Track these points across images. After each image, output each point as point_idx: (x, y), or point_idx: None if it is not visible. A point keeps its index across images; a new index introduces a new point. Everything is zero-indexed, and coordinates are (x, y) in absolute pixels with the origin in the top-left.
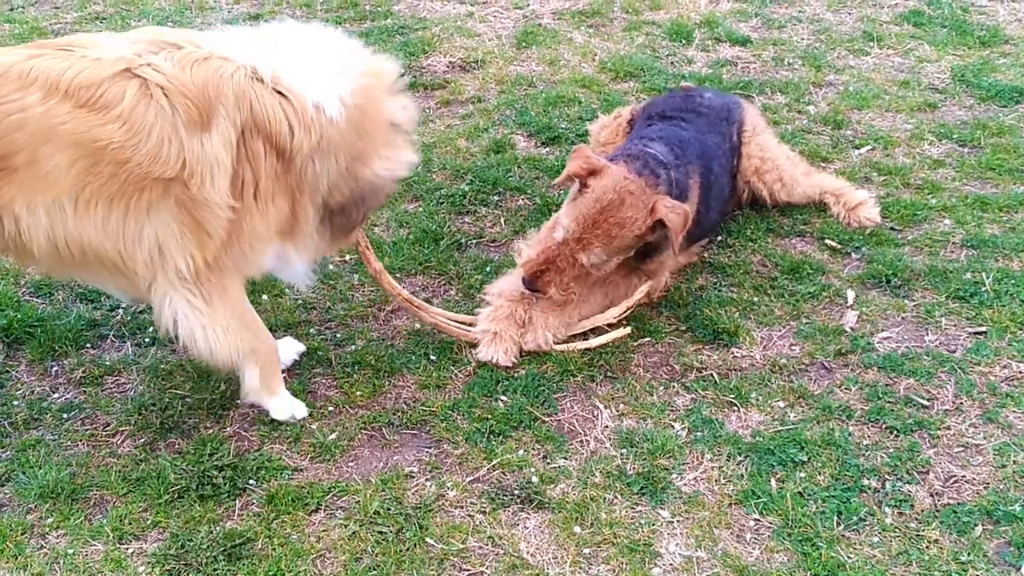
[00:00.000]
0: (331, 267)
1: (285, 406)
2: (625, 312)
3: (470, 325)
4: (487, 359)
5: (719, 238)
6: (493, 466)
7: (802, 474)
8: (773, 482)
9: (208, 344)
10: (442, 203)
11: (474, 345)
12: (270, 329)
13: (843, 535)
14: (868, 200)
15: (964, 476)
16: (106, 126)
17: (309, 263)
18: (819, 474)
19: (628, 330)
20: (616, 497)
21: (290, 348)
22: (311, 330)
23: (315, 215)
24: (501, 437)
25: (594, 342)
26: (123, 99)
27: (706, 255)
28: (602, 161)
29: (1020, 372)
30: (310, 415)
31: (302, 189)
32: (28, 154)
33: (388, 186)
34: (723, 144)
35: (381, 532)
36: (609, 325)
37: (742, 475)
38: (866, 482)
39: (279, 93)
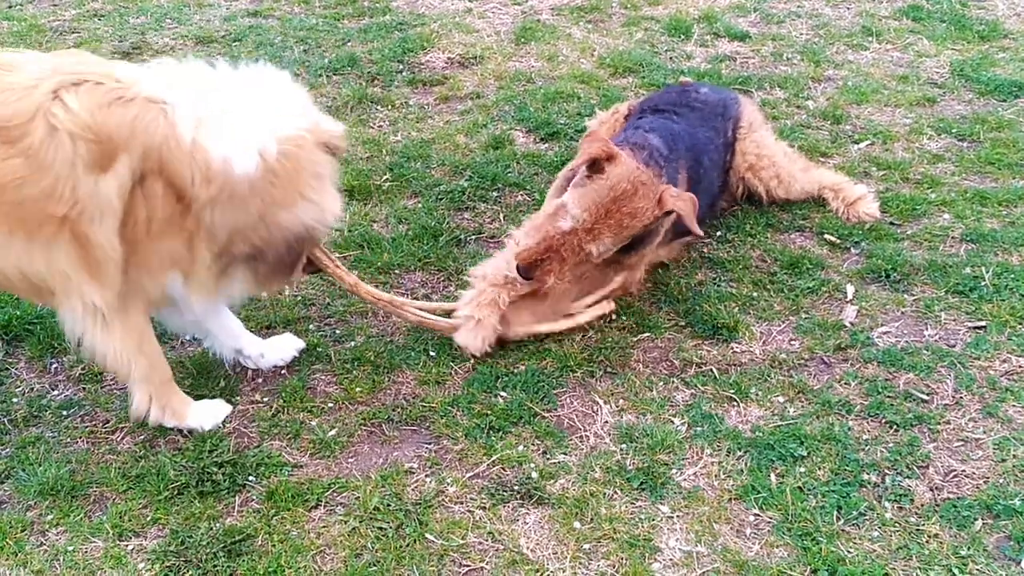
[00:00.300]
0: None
1: (204, 417)
2: (598, 302)
3: (451, 313)
4: (462, 344)
5: (718, 233)
6: (493, 462)
7: (802, 469)
8: (773, 477)
9: (108, 361)
10: (441, 199)
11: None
12: (269, 326)
13: (843, 530)
14: (867, 195)
15: (964, 470)
16: (10, 160)
17: (210, 301)
18: (819, 469)
19: (612, 306)
20: (616, 492)
21: (289, 345)
22: (310, 326)
23: (214, 261)
24: (501, 433)
25: (581, 318)
26: (30, 134)
27: (705, 250)
28: (616, 149)
29: (1020, 366)
30: (310, 411)
31: (199, 234)
32: None
33: (317, 231)
34: (716, 139)
35: (381, 528)
36: (588, 306)
37: (742, 470)
38: (866, 477)
39: (192, 140)
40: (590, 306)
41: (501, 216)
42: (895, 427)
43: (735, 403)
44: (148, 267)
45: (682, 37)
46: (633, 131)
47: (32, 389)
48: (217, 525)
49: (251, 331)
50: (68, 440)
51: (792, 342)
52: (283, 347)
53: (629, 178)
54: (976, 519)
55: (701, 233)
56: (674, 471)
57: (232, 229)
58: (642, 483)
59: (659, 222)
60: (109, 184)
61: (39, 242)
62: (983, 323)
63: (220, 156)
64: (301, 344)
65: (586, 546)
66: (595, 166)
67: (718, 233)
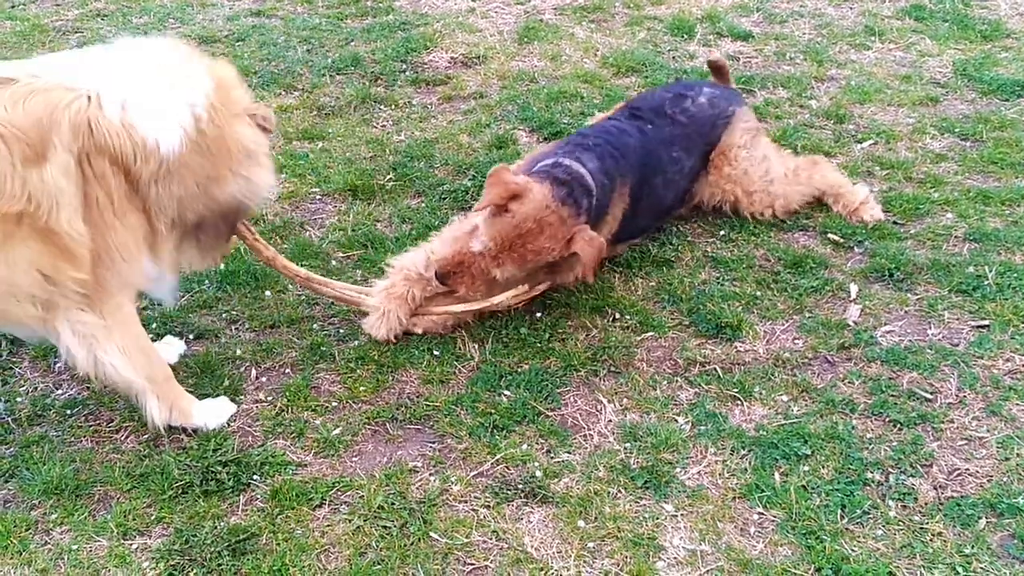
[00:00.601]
0: (334, 263)
1: (210, 415)
2: (518, 296)
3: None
4: (368, 331)
5: (721, 232)
6: (497, 461)
7: (806, 468)
8: (777, 476)
9: (109, 367)
10: (444, 199)
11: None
12: (272, 326)
13: (847, 528)
14: (858, 194)
15: (967, 469)
16: None
17: (175, 276)
18: (823, 467)
19: (543, 287)
20: (620, 491)
21: (172, 349)
22: (314, 325)
23: (170, 232)
24: (505, 432)
25: (497, 299)
26: None
27: (709, 249)
28: (523, 183)
29: (1023, 365)
30: (314, 410)
31: (151, 209)
32: None
33: (249, 205)
34: (685, 161)
35: (385, 527)
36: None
37: (746, 469)
38: (870, 475)
39: (121, 121)
40: (513, 302)
41: None
42: (899, 426)
43: (739, 402)
44: (124, 249)
45: (685, 37)
46: (570, 152)
47: (36, 388)
48: (221, 524)
49: (255, 331)
50: (72, 439)
51: (796, 341)
52: (164, 352)
53: (535, 217)
54: (980, 517)
55: (591, 279)
56: (678, 470)
57: (178, 201)
58: (646, 482)
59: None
60: (53, 172)
61: (10, 250)
62: (986, 322)
63: (150, 134)
64: (182, 347)
65: (590, 544)
66: (503, 207)
67: (721, 232)
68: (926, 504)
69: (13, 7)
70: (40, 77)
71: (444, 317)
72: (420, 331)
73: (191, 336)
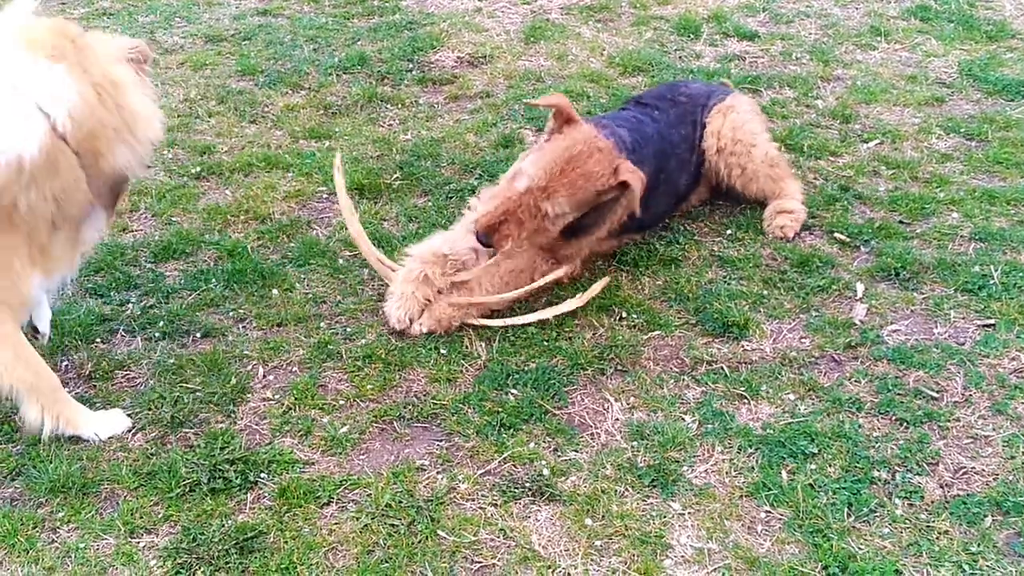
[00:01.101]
0: (341, 262)
1: (96, 427)
2: (591, 298)
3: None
4: (385, 314)
5: (728, 231)
6: (504, 459)
7: (812, 466)
8: (784, 474)
9: None
10: (451, 197)
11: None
12: (280, 324)
13: (854, 526)
14: (796, 212)
15: (974, 467)
16: None
17: (66, 274)
18: (829, 466)
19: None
20: (627, 489)
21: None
22: (321, 324)
23: (50, 235)
24: (512, 430)
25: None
26: None
27: (715, 248)
28: (576, 115)
29: None
30: (321, 408)
31: (22, 222)
32: None
33: (135, 171)
34: (692, 135)
35: (393, 525)
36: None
37: (753, 467)
38: (876, 474)
39: None
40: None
41: None
42: (905, 424)
43: (746, 401)
44: (5, 270)
45: (691, 36)
46: (606, 119)
47: None
48: (229, 522)
49: (263, 329)
50: (79, 437)
51: (802, 340)
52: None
53: (586, 141)
54: (986, 516)
55: (638, 211)
56: (685, 468)
57: (55, 200)
58: (653, 480)
59: (612, 200)
60: None
61: None
62: (992, 321)
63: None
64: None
65: (597, 543)
66: (557, 123)
67: (728, 232)
68: (932, 502)
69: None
70: None
71: (450, 316)
72: (425, 330)
73: (198, 334)
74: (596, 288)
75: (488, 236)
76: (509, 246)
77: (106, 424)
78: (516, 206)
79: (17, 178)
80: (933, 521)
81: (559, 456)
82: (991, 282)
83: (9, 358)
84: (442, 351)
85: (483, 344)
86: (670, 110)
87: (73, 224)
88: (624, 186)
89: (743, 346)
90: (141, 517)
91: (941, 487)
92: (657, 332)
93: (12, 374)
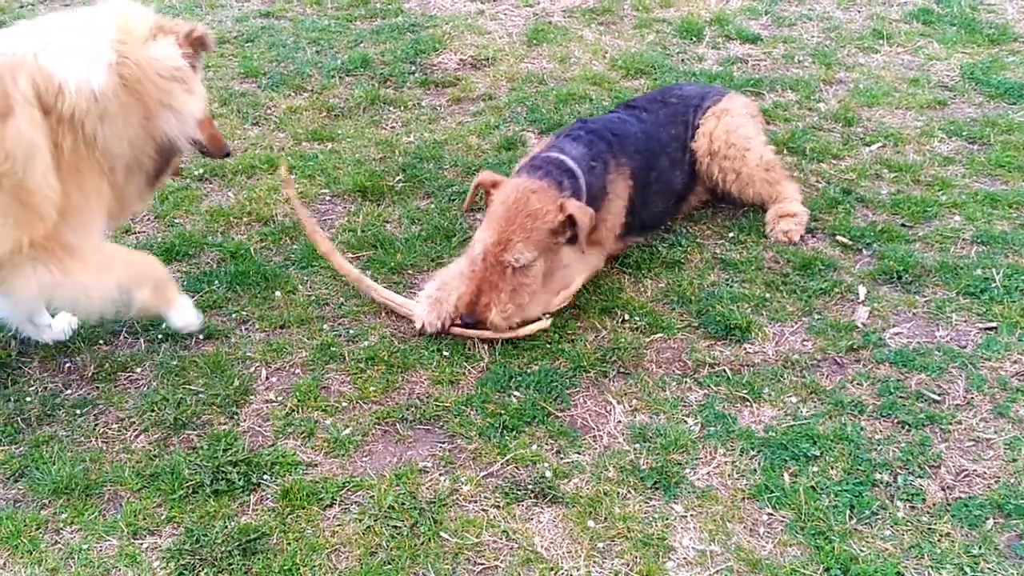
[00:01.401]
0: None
1: (182, 313)
2: (563, 302)
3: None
4: (417, 317)
5: (730, 234)
6: (507, 461)
7: (815, 468)
8: (786, 476)
9: (86, 307)
10: (454, 200)
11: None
12: (283, 326)
13: (856, 529)
14: (800, 215)
15: (975, 470)
16: None
17: (124, 219)
18: (831, 468)
19: (548, 323)
20: (629, 491)
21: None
22: (324, 326)
23: (124, 175)
24: (514, 432)
25: (521, 331)
26: None
27: (718, 251)
28: (496, 176)
29: None
30: (324, 410)
31: (103, 154)
32: None
33: (179, 142)
34: (684, 135)
35: (395, 527)
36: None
37: (755, 470)
38: (878, 476)
39: (51, 77)
40: (560, 304)
41: None
42: (907, 427)
43: (748, 403)
44: (88, 199)
45: (694, 39)
46: (547, 150)
47: (46, 388)
48: (232, 524)
49: (266, 331)
50: (82, 439)
51: (805, 343)
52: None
53: (518, 189)
54: (987, 518)
55: (584, 251)
56: (687, 471)
57: (128, 142)
58: (656, 482)
59: (574, 229)
60: (20, 127)
61: None
62: (994, 324)
63: (72, 74)
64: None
65: (600, 545)
66: (487, 195)
67: (731, 234)
68: (934, 505)
69: (22, 7)
70: None
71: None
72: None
73: (201, 336)
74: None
75: (471, 313)
76: (495, 315)
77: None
78: (483, 273)
79: (91, 107)
80: (935, 523)
81: (562, 458)
82: (993, 285)
83: (104, 281)
84: (444, 353)
85: (486, 346)
86: (659, 111)
87: (141, 174)
88: (572, 220)
89: (745, 349)
90: (144, 518)
91: (943, 490)
92: (659, 335)
93: (118, 279)
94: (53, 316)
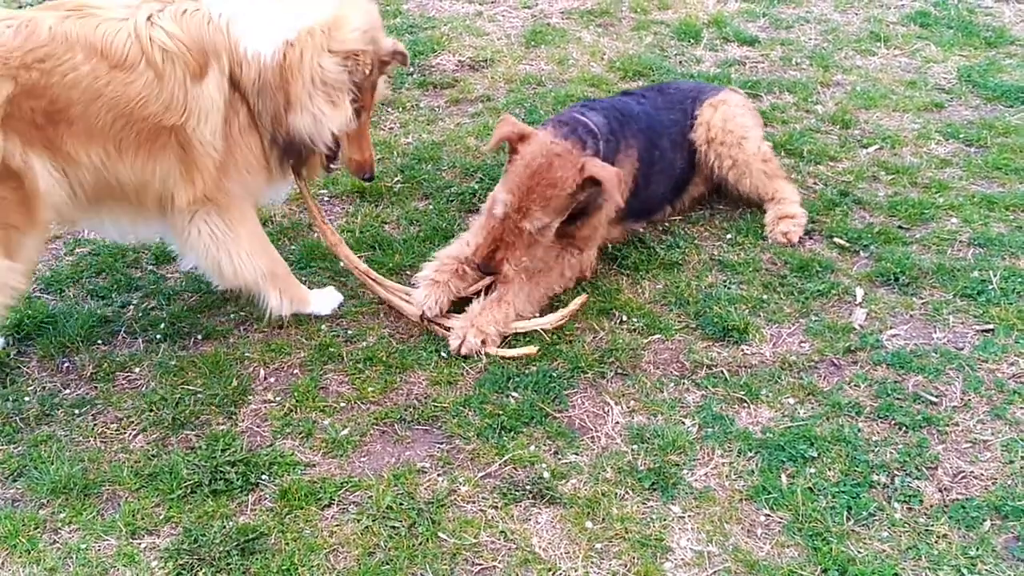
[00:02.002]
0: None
1: (323, 303)
2: (562, 320)
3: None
4: (416, 300)
5: (728, 236)
6: (505, 462)
7: (812, 470)
8: (783, 478)
9: (234, 268)
10: (452, 201)
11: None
12: (281, 326)
13: (853, 530)
14: (798, 217)
15: (972, 472)
16: (134, 83)
17: (279, 190)
18: (829, 470)
19: (535, 349)
20: (627, 492)
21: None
22: (322, 326)
23: (270, 146)
24: (512, 433)
25: (521, 325)
26: (141, 57)
27: (715, 253)
28: (528, 128)
29: None
30: (322, 411)
31: (259, 124)
32: (82, 108)
33: (316, 144)
34: (683, 121)
35: (393, 527)
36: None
37: (752, 471)
38: (875, 478)
39: (232, 39)
40: (557, 322)
41: None
42: (904, 429)
43: (746, 404)
44: (248, 164)
45: (691, 41)
46: (575, 108)
47: (44, 388)
48: (230, 524)
49: (264, 331)
50: (80, 439)
51: (802, 344)
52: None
53: (543, 152)
54: (985, 520)
55: (621, 203)
56: (685, 472)
57: (272, 118)
58: (653, 483)
59: (593, 193)
60: (209, 87)
61: (153, 154)
62: (991, 326)
63: (252, 49)
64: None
65: (598, 545)
66: (512, 149)
67: (728, 236)
68: (931, 506)
69: (20, 8)
70: (195, 4)
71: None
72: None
73: (199, 336)
74: (575, 305)
75: (487, 265)
76: (509, 267)
77: (327, 301)
78: (501, 232)
79: (256, 75)
80: (932, 525)
81: (559, 459)
82: (990, 287)
83: (259, 249)
84: (443, 354)
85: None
86: (657, 98)
87: (273, 151)
88: (594, 181)
89: (743, 350)
90: (142, 518)
91: (940, 491)
92: (657, 336)
93: (262, 261)
94: None
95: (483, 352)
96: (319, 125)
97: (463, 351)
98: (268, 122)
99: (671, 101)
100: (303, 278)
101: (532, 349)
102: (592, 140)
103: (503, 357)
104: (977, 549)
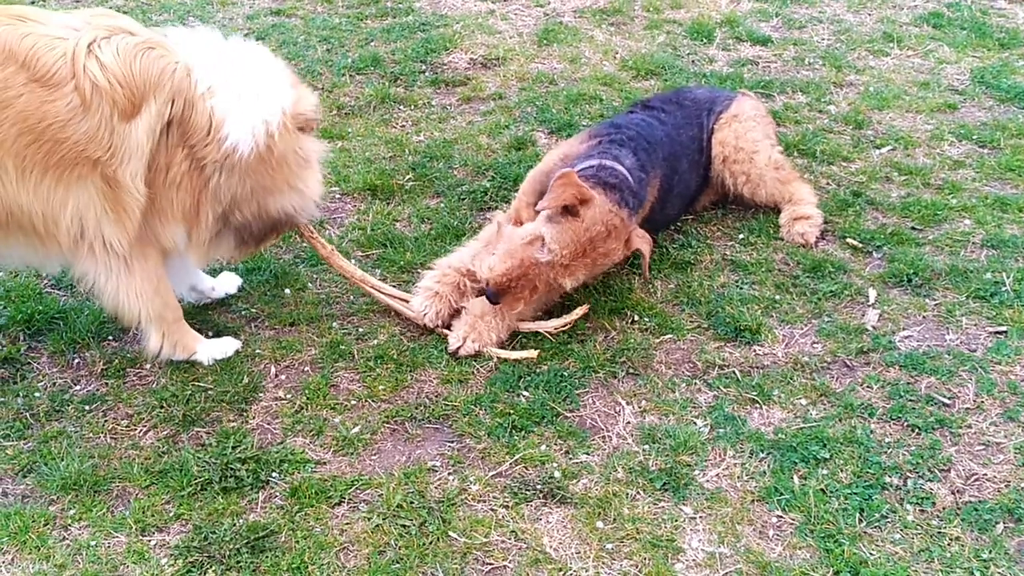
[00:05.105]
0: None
1: (210, 352)
2: (563, 326)
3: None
4: (416, 309)
5: (740, 236)
6: (515, 461)
7: (824, 471)
8: (795, 479)
9: (118, 303)
10: (463, 199)
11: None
12: (292, 324)
13: (865, 532)
14: (814, 217)
15: (985, 474)
16: (55, 102)
17: (201, 260)
18: (841, 471)
19: (535, 353)
20: (638, 493)
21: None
22: (334, 324)
23: (214, 220)
24: (523, 432)
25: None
26: (71, 80)
27: (728, 253)
28: (590, 191)
29: None
30: (333, 408)
31: (205, 193)
32: None
33: (297, 218)
34: (700, 136)
35: (404, 525)
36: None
37: (764, 472)
38: (888, 479)
39: (206, 105)
40: (560, 327)
41: None
42: (917, 430)
43: (758, 405)
44: (163, 215)
45: (704, 41)
46: (607, 149)
47: (54, 384)
48: (240, 521)
49: (275, 329)
50: (90, 435)
51: (815, 345)
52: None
53: (603, 221)
54: (997, 522)
55: (647, 278)
56: (697, 472)
57: (232, 198)
58: (665, 484)
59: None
60: (139, 128)
61: (67, 184)
62: (1004, 328)
63: (227, 126)
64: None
65: (609, 546)
66: (573, 205)
67: (740, 236)
68: (944, 508)
69: (32, 3)
70: (152, 39)
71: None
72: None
73: (210, 333)
74: (576, 313)
75: (498, 296)
76: (519, 308)
77: (218, 349)
78: (533, 273)
79: (224, 156)
80: (944, 527)
81: (570, 459)
82: (1003, 289)
83: (150, 289)
84: None
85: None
86: (676, 112)
87: (227, 227)
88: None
89: (755, 351)
90: (153, 515)
91: (952, 493)
92: (669, 336)
93: (150, 302)
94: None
95: (483, 351)
96: (305, 199)
97: (461, 354)
98: (225, 200)
99: (688, 115)
100: (313, 275)
101: (532, 353)
102: (633, 199)
103: (502, 359)
104: (990, 552)
